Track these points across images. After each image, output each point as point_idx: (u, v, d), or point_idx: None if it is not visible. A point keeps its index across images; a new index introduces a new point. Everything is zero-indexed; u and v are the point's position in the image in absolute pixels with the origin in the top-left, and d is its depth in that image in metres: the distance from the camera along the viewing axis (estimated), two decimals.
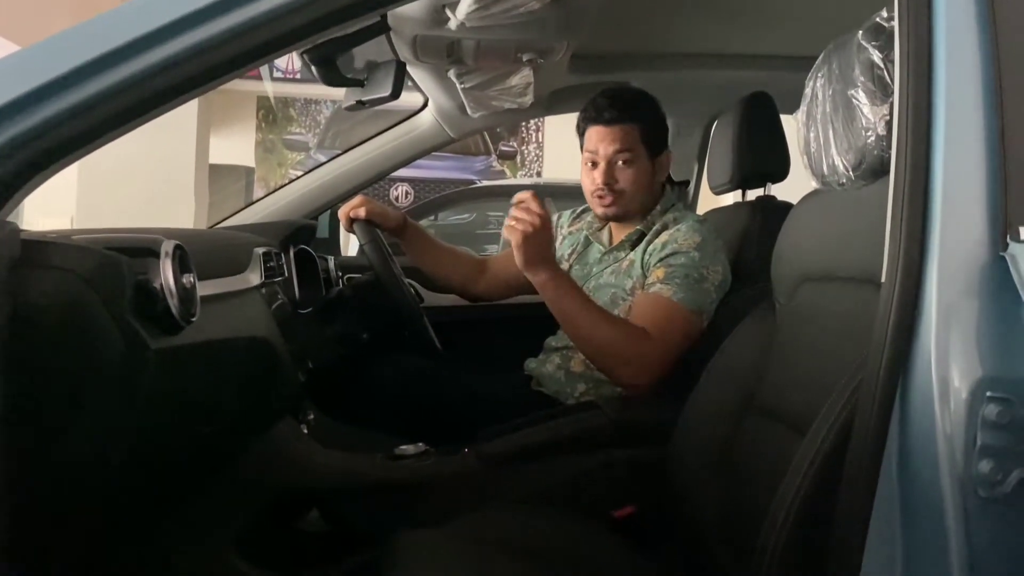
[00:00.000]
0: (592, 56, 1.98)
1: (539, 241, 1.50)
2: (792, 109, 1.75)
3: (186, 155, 8.39)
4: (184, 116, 8.35)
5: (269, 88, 9.00)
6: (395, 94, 1.46)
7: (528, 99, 1.96)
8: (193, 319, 0.97)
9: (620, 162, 1.71)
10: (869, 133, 1.01)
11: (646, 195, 1.75)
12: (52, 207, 7.42)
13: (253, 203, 2.21)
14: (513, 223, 1.49)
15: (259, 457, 1.37)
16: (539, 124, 10.33)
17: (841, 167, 1.07)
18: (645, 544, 1.37)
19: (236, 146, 10.13)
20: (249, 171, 10.46)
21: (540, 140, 10.44)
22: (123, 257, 0.89)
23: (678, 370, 1.57)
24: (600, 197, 1.73)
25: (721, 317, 1.60)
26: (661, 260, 1.65)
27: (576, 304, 1.57)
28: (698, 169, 2.32)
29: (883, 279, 0.86)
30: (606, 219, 1.79)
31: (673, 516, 1.35)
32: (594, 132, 1.73)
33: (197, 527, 1.32)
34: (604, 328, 1.57)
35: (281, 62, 8.31)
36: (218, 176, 9.36)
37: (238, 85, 8.80)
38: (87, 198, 7.99)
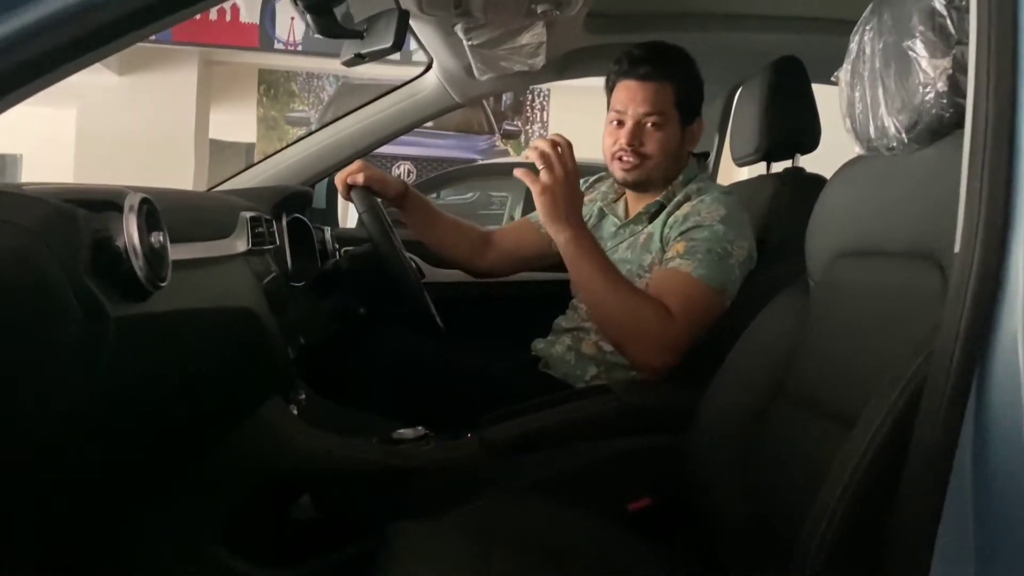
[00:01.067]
0: (610, 15, 1.86)
1: (562, 194, 1.41)
2: (823, 77, 1.65)
3: (185, 129, 8.35)
4: (183, 90, 8.31)
5: (265, 59, 8.88)
6: (397, 45, 1.33)
7: (540, 60, 1.84)
8: (163, 284, 0.85)
9: (649, 124, 1.59)
10: (927, 89, 0.91)
11: (671, 164, 1.64)
12: (50, 180, 7.35)
13: (245, 169, 2.09)
14: (536, 165, 1.40)
15: (243, 440, 1.26)
16: (544, 103, 10.26)
17: (892, 129, 0.98)
18: (661, 540, 1.29)
19: (238, 122, 10.07)
20: (250, 147, 10.38)
21: (545, 119, 10.37)
22: (80, 210, 0.78)
23: (698, 352, 1.48)
24: (621, 160, 1.61)
25: (747, 296, 1.51)
26: (682, 234, 1.54)
27: (597, 268, 1.48)
28: (719, 140, 2.21)
29: (956, 250, 0.76)
30: (625, 184, 1.67)
31: (693, 510, 1.27)
32: (625, 87, 1.61)
33: (175, 516, 1.21)
34: (625, 298, 1.47)
35: (282, 34, 8.16)
36: (219, 152, 9.30)
37: (238, 57, 8.71)
38: (85, 171, 7.93)
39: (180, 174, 7.45)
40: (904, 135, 0.96)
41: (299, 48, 8.23)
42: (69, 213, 0.76)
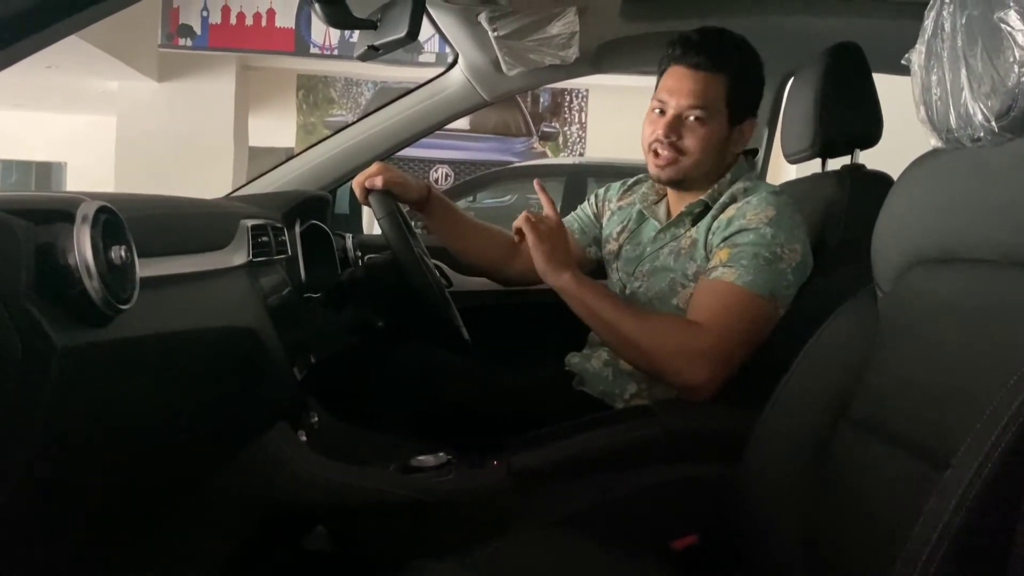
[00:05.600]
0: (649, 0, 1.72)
1: (557, 239, 1.42)
2: (883, 66, 1.50)
3: (224, 135, 8.41)
4: (221, 96, 8.36)
5: (302, 64, 8.89)
6: (412, 35, 1.22)
7: (573, 52, 1.72)
8: (125, 306, 0.73)
9: (692, 118, 1.45)
10: None
11: (714, 164, 1.50)
12: (92, 189, 7.43)
13: (262, 175, 1.99)
14: (529, 223, 1.41)
15: (242, 472, 1.14)
16: (583, 104, 10.18)
17: (979, 116, 0.87)
18: None
19: (277, 128, 10.13)
20: (289, 153, 10.43)
21: (583, 120, 10.28)
22: (18, 221, 0.66)
23: (750, 370, 1.35)
24: (656, 153, 1.48)
25: (803, 307, 1.38)
26: (726, 240, 1.40)
27: (606, 302, 1.39)
28: (768, 135, 2.05)
29: None
30: (659, 182, 1.53)
31: (744, 549, 1.15)
32: (673, 75, 1.47)
33: (162, 555, 1.09)
34: (641, 321, 1.37)
35: (318, 37, 8.15)
36: (258, 157, 9.33)
37: (275, 62, 8.73)
38: (125, 178, 8.02)
39: (219, 180, 7.47)
40: (994, 123, 0.85)
41: (335, 52, 8.22)
42: (4, 224, 0.65)
